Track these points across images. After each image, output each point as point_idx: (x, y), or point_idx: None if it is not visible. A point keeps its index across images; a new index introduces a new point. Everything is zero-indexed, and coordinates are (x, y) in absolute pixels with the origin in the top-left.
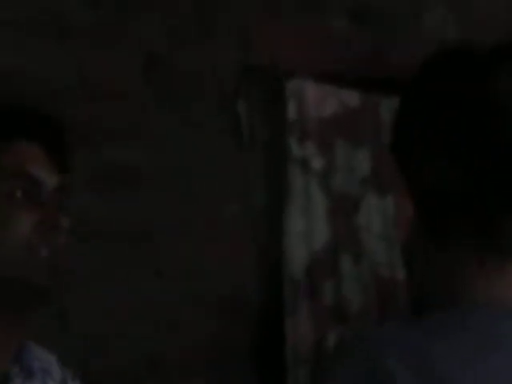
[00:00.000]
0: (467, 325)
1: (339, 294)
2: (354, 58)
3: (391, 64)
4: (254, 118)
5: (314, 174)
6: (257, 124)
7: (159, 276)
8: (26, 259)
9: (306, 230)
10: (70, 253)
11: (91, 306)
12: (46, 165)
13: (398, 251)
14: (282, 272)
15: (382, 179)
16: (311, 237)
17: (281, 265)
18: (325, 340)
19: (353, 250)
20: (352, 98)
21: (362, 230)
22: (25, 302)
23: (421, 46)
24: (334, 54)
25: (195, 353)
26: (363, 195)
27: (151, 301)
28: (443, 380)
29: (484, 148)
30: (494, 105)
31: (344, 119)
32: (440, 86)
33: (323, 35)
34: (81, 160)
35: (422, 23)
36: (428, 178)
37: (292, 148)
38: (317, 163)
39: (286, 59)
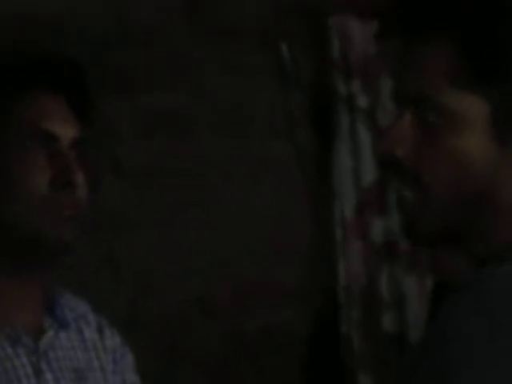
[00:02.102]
0: None
1: (389, 232)
2: None
3: None
4: (297, 56)
5: (360, 112)
6: (301, 63)
7: (207, 216)
8: (42, 215)
9: (354, 167)
10: (118, 196)
11: (141, 249)
12: (64, 116)
13: None
14: (332, 211)
15: None
16: (359, 174)
17: (329, 205)
18: (376, 279)
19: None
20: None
21: None
22: (43, 258)
23: None
24: None
25: (245, 294)
26: None
27: (201, 242)
28: None
29: None
30: None
31: (388, 55)
32: None
33: None
34: (121, 105)
35: None
36: None
37: (337, 86)
38: (362, 101)
39: None
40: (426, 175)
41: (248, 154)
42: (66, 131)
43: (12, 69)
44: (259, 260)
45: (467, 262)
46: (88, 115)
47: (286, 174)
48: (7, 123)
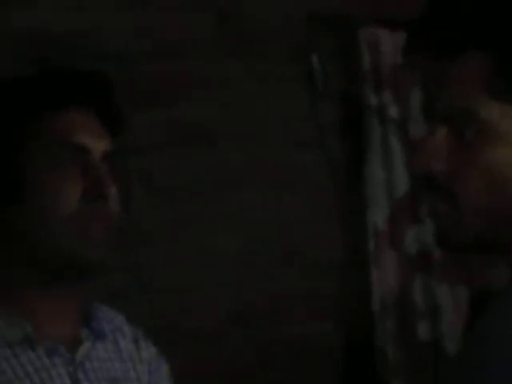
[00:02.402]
0: None
1: (422, 242)
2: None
3: None
4: (327, 68)
5: (391, 123)
6: (331, 74)
7: (237, 228)
8: (73, 231)
9: (386, 178)
10: (147, 208)
11: (173, 262)
12: (96, 130)
13: None
14: (365, 222)
15: None
16: (392, 185)
17: (362, 215)
18: (410, 289)
19: None
20: None
21: None
22: (75, 275)
23: None
24: (409, 1)
25: (278, 305)
26: None
27: (228, 254)
28: None
29: None
30: None
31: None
32: None
33: None
34: (154, 117)
35: None
36: None
37: (368, 97)
38: (393, 111)
39: (359, 8)
40: (461, 189)
41: (279, 165)
42: (97, 144)
43: (42, 84)
44: (292, 271)
45: (505, 272)
46: (118, 128)
47: (317, 185)
48: (38, 138)
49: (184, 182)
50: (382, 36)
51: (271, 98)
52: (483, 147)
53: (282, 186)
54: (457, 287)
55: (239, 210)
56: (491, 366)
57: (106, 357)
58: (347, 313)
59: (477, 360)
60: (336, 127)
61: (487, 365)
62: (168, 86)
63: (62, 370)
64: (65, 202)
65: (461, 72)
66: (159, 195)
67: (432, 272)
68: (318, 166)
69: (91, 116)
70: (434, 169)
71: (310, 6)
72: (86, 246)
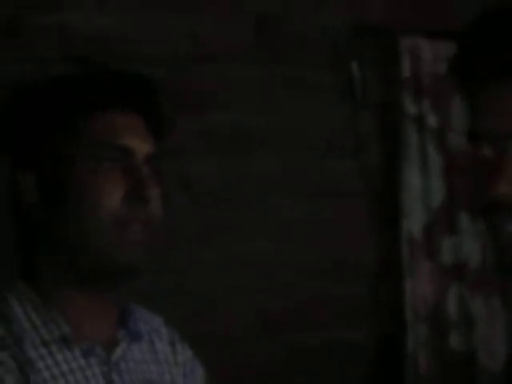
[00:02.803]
0: None
1: (458, 252)
2: (469, 13)
3: None
4: (367, 77)
5: (429, 132)
6: (370, 83)
7: (269, 234)
8: (114, 234)
9: (423, 187)
10: (184, 214)
11: (207, 266)
12: (139, 133)
13: None
14: (400, 231)
15: None
16: (428, 194)
17: (396, 224)
18: (444, 299)
19: (470, 207)
20: None
21: None
22: (113, 277)
23: None
24: (449, 10)
25: (308, 311)
26: None
27: (265, 260)
28: None
29: None
30: None
31: None
32: None
33: None
34: (192, 123)
35: None
36: None
37: (407, 105)
38: (432, 120)
39: (399, 17)
40: None
41: (315, 172)
42: (140, 146)
43: (87, 84)
44: (325, 278)
45: None
46: (162, 131)
47: (352, 193)
48: (82, 138)
49: (221, 187)
50: (423, 45)
51: (309, 105)
52: None
53: (317, 194)
54: (491, 299)
55: (272, 216)
56: None
57: (141, 358)
58: (378, 320)
59: None
60: (374, 136)
61: None
62: (207, 90)
63: (96, 370)
64: (106, 204)
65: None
66: (198, 201)
67: (466, 283)
68: (354, 174)
69: (135, 118)
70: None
71: (351, 15)
72: (125, 248)
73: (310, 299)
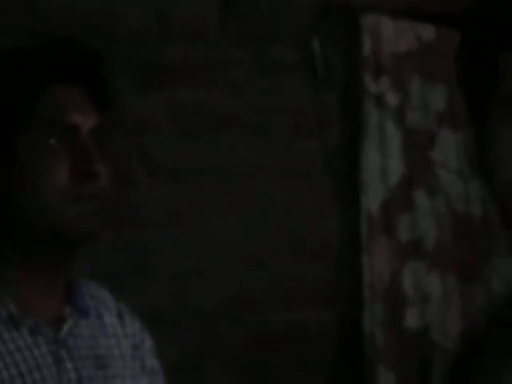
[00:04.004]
0: None
1: (414, 229)
2: None
3: None
4: (329, 55)
5: (388, 110)
6: (332, 61)
7: (237, 213)
8: (64, 210)
9: (381, 165)
10: (151, 192)
11: (175, 246)
12: (84, 107)
13: (473, 186)
14: (359, 208)
15: (457, 114)
16: (387, 172)
17: (357, 201)
18: (400, 276)
19: (428, 185)
20: (428, 32)
21: (437, 165)
22: (64, 249)
23: None
24: None
25: (271, 291)
26: (438, 130)
27: (232, 239)
28: None
29: None
30: None
31: (419, 54)
32: None
33: None
34: (159, 99)
35: None
36: None
37: (367, 84)
38: (392, 99)
39: None
40: None
41: (279, 151)
42: (84, 121)
43: (27, 59)
44: (286, 257)
45: None
46: (106, 104)
47: (313, 170)
48: (25, 119)
49: (190, 166)
50: (384, 23)
51: (275, 83)
52: None
53: (281, 171)
54: (447, 276)
55: (239, 195)
56: None
57: (89, 334)
58: (341, 298)
59: None
60: (336, 114)
61: None
62: (176, 70)
63: (44, 348)
64: (54, 181)
65: None
66: (160, 176)
67: (422, 260)
68: (317, 151)
69: (78, 91)
70: None
71: None
72: (76, 219)
73: (272, 281)
